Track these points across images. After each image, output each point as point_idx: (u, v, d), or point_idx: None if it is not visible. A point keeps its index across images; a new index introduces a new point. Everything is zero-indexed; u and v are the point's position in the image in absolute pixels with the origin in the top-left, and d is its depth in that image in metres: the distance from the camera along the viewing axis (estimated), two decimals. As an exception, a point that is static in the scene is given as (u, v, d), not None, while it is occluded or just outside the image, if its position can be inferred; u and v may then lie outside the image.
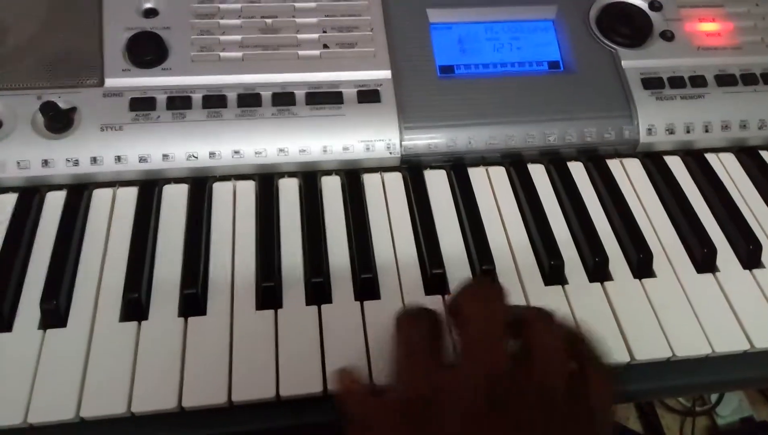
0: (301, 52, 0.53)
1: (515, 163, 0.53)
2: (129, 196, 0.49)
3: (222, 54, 0.52)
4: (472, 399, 0.31)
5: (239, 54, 0.52)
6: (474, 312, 0.34)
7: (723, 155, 0.56)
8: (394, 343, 0.36)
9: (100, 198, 0.49)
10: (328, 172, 0.52)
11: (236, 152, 0.49)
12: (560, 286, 0.46)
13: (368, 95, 0.52)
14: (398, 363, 0.35)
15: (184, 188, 0.49)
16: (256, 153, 0.49)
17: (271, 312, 0.43)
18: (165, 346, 0.41)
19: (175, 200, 0.49)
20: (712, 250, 0.48)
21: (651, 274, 0.47)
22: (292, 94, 0.51)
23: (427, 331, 0.35)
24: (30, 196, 0.48)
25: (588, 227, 0.49)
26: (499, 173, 0.53)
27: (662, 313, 0.44)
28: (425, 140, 0.51)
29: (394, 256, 0.47)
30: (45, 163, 0.47)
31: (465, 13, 0.57)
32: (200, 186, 0.49)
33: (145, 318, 0.42)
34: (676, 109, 0.54)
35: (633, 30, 0.57)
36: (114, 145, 0.48)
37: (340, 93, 0.51)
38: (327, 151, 0.50)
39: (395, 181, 0.52)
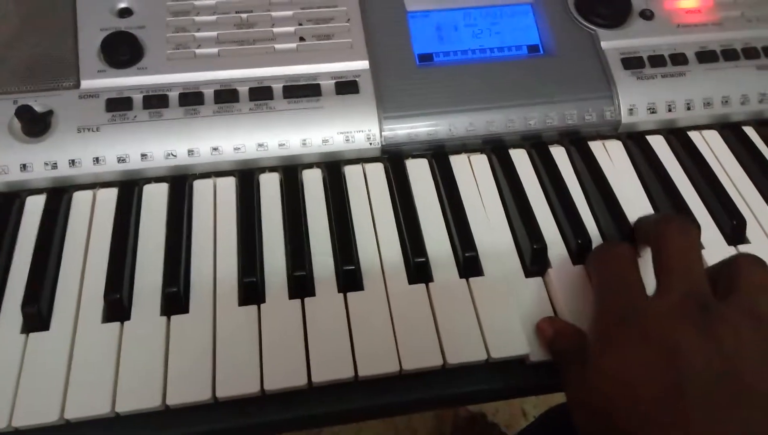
0: (277, 46, 0.52)
1: (497, 149, 0.53)
2: (109, 197, 0.48)
3: (198, 51, 0.51)
4: (685, 325, 0.33)
5: (215, 50, 0.52)
6: (680, 244, 0.37)
7: (706, 132, 0.56)
8: (600, 278, 0.40)
9: (80, 200, 0.48)
10: (309, 166, 0.51)
11: (215, 149, 0.49)
12: (544, 270, 0.46)
13: (346, 86, 0.51)
14: (607, 286, 0.38)
15: (164, 187, 0.49)
16: (234, 149, 0.49)
17: (254, 307, 0.43)
18: (148, 346, 0.41)
19: (155, 199, 0.49)
20: (696, 227, 0.47)
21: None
22: (269, 89, 0.50)
23: (632, 261, 0.39)
24: (9, 201, 0.48)
25: (570, 210, 0.48)
26: (480, 160, 0.53)
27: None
28: (405, 129, 0.51)
29: (377, 247, 0.47)
30: (23, 167, 0.47)
31: (442, 0, 0.57)
32: (180, 184, 0.49)
33: (128, 318, 0.42)
34: (658, 88, 0.54)
35: (612, 10, 0.56)
36: (92, 147, 0.48)
37: (318, 85, 0.51)
38: (306, 144, 0.50)
39: (376, 171, 0.51)
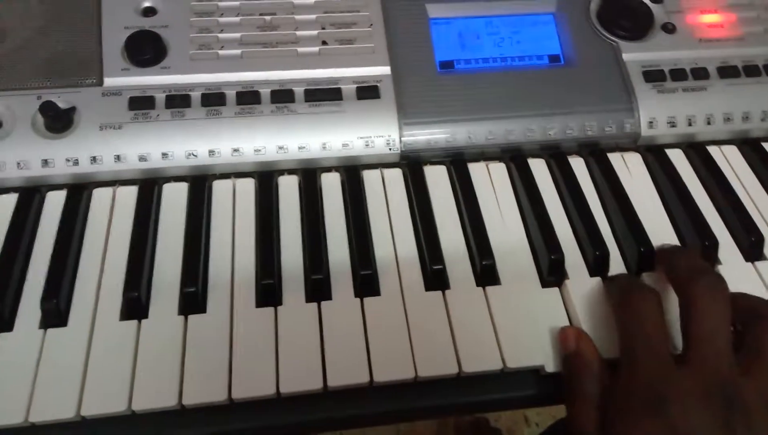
0: (299, 49, 0.53)
1: (515, 158, 0.53)
2: (129, 194, 0.49)
3: (221, 52, 0.52)
4: (706, 402, 0.34)
5: (238, 52, 0.52)
6: (708, 308, 0.37)
7: (726, 147, 0.56)
8: (628, 321, 0.39)
9: (100, 197, 0.49)
10: (328, 169, 0.51)
11: (235, 150, 0.49)
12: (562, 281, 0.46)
13: (367, 91, 0.51)
14: (634, 347, 0.37)
15: (183, 186, 0.49)
16: (255, 150, 0.49)
17: (270, 309, 0.43)
18: (165, 345, 0.41)
19: (174, 199, 0.49)
20: (714, 243, 0.47)
21: (652, 268, 0.47)
22: (291, 91, 0.51)
23: (660, 315, 0.38)
24: (30, 196, 0.48)
25: (588, 221, 0.48)
26: (498, 168, 0.53)
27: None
28: (425, 136, 0.51)
29: (394, 253, 0.47)
30: (45, 162, 0.47)
31: (465, 7, 0.57)
32: (200, 184, 0.49)
33: (146, 316, 0.42)
34: (678, 101, 0.54)
35: (634, 23, 0.56)
36: (113, 145, 0.48)
37: (339, 89, 0.51)
38: (326, 148, 0.50)
39: (395, 177, 0.51)
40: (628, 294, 0.40)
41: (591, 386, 0.38)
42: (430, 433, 1.23)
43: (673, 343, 0.40)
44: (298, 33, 0.53)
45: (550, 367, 0.42)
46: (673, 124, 0.54)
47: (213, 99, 0.50)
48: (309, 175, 0.50)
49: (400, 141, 0.51)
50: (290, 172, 0.51)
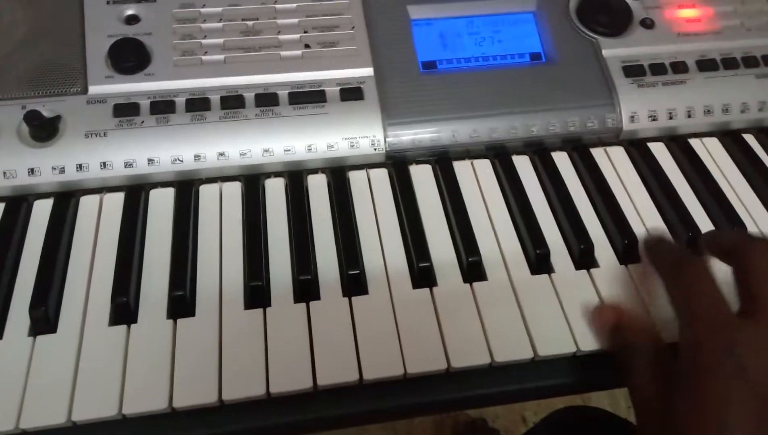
0: (282, 53, 0.53)
1: (500, 156, 0.54)
2: (116, 201, 0.49)
3: (204, 57, 0.52)
4: None
5: (221, 57, 0.52)
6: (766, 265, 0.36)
7: (707, 140, 0.57)
8: (683, 284, 0.38)
9: (88, 204, 0.49)
10: (314, 171, 0.52)
11: (221, 154, 0.49)
12: (547, 275, 0.46)
13: (351, 93, 0.52)
14: (694, 305, 0.36)
15: (170, 192, 0.50)
16: (240, 154, 0.49)
17: (259, 311, 0.43)
18: (155, 349, 0.41)
19: (161, 204, 0.49)
20: (697, 235, 0.48)
21: (637, 259, 0.47)
22: (275, 95, 0.51)
23: (713, 277, 0.37)
24: (17, 205, 0.48)
25: (573, 215, 0.49)
26: (483, 166, 0.53)
27: (651, 299, 0.44)
28: (409, 136, 0.52)
29: (382, 252, 0.47)
30: (31, 171, 0.48)
31: (446, 8, 0.57)
32: (186, 189, 0.50)
33: (135, 321, 0.43)
34: (658, 95, 0.55)
35: (613, 19, 0.57)
36: (99, 152, 0.48)
37: (323, 92, 0.52)
38: (312, 150, 0.50)
39: (381, 177, 0.52)
40: (678, 260, 0.39)
41: (647, 356, 0.38)
42: (428, 434, 1.23)
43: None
44: (281, 37, 0.53)
45: (541, 358, 0.42)
46: (654, 118, 0.54)
47: (197, 104, 0.50)
48: (295, 177, 0.51)
49: (385, 141, 0.51)
50: (277, 174, 0.51)
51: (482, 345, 0.42)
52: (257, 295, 0.44)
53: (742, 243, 0.38)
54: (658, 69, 0.55)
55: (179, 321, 0.43)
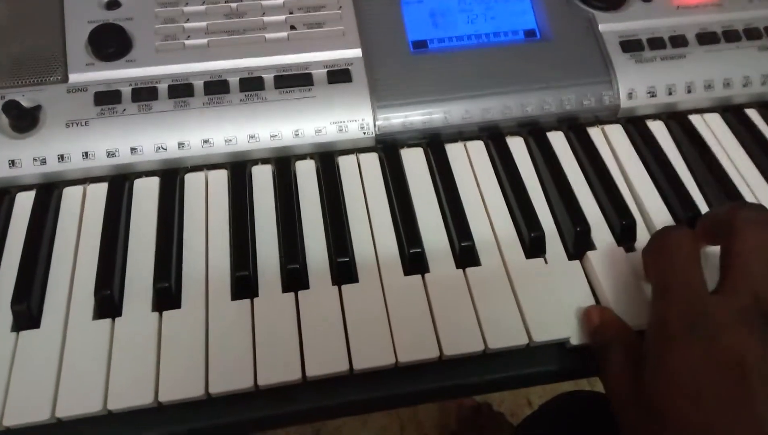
0: (267, 35, 0.51)
1: (493, 137, 0.52)
2: (99, 192, 0.48)
3: (187, 42, 0.51)
4: (743, 323, 0.33)
5: (204, 41, 0.51)
6: (753, 241, 0.35)
7: (708, 116, 0.55)
8: (660, 270, 0.37)
9: (71, 196, 0.48)
10: (302, 157, 0.50)
11: (206, 141, 0.48)
12: (542, 259, 0.45)
13: (339, 75, 0.50)
14: (667, 279, 0.36)
15: (155, 181, 0.48)
16: (226, 141, 0.48)
17: (247, 301, 0.42)
18: (140, 342, 0.40)
19: (146, 194, 0.48)
20: (696, 215, 0.46)
21: (634, 241, 0.46)
22: (260, 79, 0.50)
23: (693, 249, 0.37)
24: (-1, 198, 0.47)
25: (569, 197, 0.47)
26: (477, 148, 0.52)
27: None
28: (400, 118, 0.50)
29: (372, 238, 0.46)
30: (12, 163, 0.46)
31: (436, -15, 0.56)
32: (171, 178, 0.48)
33: (119, 314, 0.42)
34: (657, 71, 0.53)
35: (609, -8, 0.55)
36: (81, 141, 0.47)
37: (310, 74, 0.50)
38: (299, 135, 0.49)
39: (371, 161, 0.50)
40: (659, 233, 0.39)
41: (620, 351, 0.38)
42: (433, 420, 1.23)
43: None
44: (266, 19, 0.52)
45: (536, 344, 0.41)
46: (653, 94, 0.53)
47: (180, 90, 0.48)
48: (283, 163, 0.50)
49: (375, 124, 0.50)
50: (264, 161, 0.50)
51: (476, 332, 0.41)
52: (244, 285, 0.43)
53: (727, 212, 0.37)
54: (656, 43, 0.54)
55: (165, 313, 0.42)
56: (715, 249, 0.38)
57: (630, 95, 0.52)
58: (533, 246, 0.45)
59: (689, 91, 0.53)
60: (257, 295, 0.43)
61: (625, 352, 0.38)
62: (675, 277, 0.36)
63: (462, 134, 0.52)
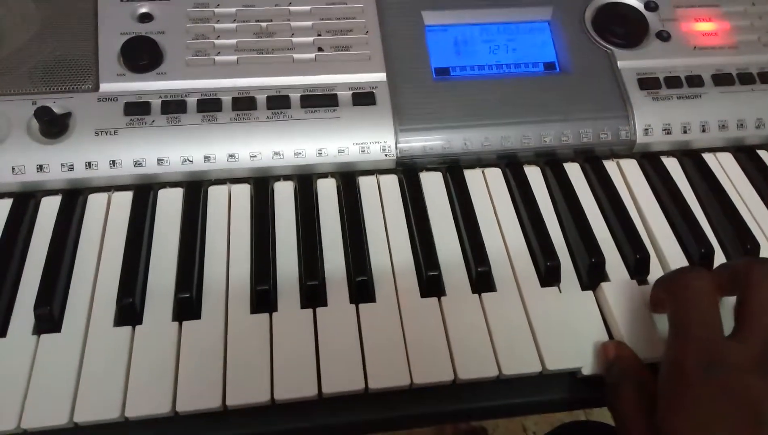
0: (296, 56, 0.53)
1: (511, 165, 0.53)
2: (124, 200, 0.49)
3: (217, 58, 0.52)
4: (758, 368, 0.34)
5: (234, 58, 0.52)
6: (763, 284, 0.36)
7: (721, 155, 0.56)
8: (679, 311, 0.38)
9: (95, 202, 0.49)
10: (324, 175, 0.51)
11: (231, 156, 0.49)
12: (556, 288, 0.46)
13: (363, 97, 0.51)
14: (686, 319, 0.37)
15: (179, 192, 0.49)
16: (251, 156, 0.49)
17: (265, 316, 0.43)
18: (159, 351, 0.41)
19: (170, 204, 0.49)
20: (709, 251, 0.47)
21: (647, 274, 0.47)
22: (286, 97, 0.51)
23: (713, 294, 0.38)
24: (25, 202, 0.48)
25: (584, 228, 0.48)
26: (495, 175, 0.53)
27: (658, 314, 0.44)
28: (421, 142, 0.51)
29: (390, 259, 0.47)
30: (40, 168, 0.47)
31: (460, 15, 0.57)
32: (195, 190, 0.49)
33: (140, 322, 0.42)
34: (673, 109, 0.54)
35: (629, 30, 0.57)
36: (109, 150, 0.48)
37: (335, 95, 0.51)
38: (322, 154, 0.50)
39: (391, 183, 0.51)
40: (682, 273, 0.40)
41: (633, 387, 0.39)
42: (427, 442, 1.23)
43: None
44: (294, 39, 0.53)
45: (549, 372, 0.42)
46: (668, 132, 0.54)
47: (209, 105, 0.49)
48: (305, 180, 0.50)
49: (396, 147, 0.51)
50: (286, 177, 0.51)
51: (490, 357, 0.42)
52: (264, 299, 0.43)
53: (745, 266, 0.38)
54: (673, 82, 0.55)
55: (185, 323, 0.42)
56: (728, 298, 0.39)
57: (646, 131, 0.53)
58: (548, 274, 0.46)
59: (704, 130, 0.54)
60: (276, 310, 0.43)
61: (638, 388, 0.39)
62: (695, 317, 0.37)
63: (480, 161, 0.53)
